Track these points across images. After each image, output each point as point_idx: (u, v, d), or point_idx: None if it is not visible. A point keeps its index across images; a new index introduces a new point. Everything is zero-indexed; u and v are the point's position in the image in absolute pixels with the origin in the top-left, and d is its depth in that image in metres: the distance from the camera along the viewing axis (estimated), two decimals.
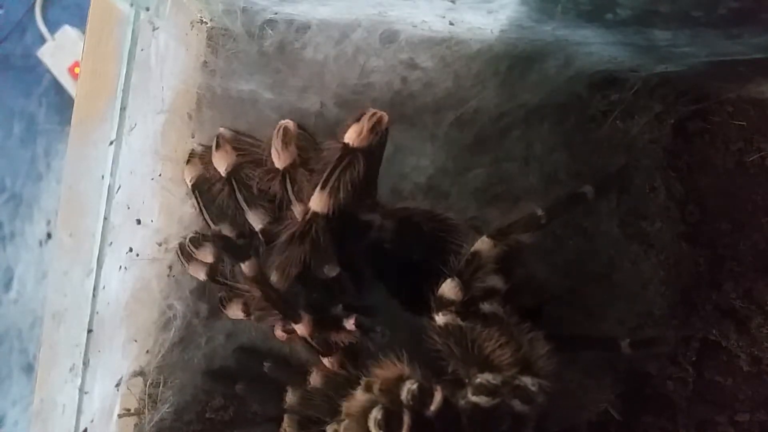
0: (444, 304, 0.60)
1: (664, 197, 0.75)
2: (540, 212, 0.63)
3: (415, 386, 0.56)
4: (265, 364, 0.70)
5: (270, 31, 0.80)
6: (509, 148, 0.76)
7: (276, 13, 0.79)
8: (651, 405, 0.73)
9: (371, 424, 0.55)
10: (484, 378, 0.57)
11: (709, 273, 0.74)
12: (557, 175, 0.75)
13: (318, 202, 0.61)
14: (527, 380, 0.58)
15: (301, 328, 0.64)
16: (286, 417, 0.66)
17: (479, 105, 0.75)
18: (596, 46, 0.70)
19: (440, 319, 0.60)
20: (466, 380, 0.59)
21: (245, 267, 0.62)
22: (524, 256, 0.65)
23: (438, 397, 0.56)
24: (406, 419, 0.54)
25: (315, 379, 0.65)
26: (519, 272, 0.65)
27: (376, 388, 0.58)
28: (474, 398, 0.57)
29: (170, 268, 0.80)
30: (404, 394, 0.56)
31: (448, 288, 0.60)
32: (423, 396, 0.55)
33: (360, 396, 0.58)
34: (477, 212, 0.75)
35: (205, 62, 0.83)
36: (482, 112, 0.75)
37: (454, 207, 0.76)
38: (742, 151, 0.77)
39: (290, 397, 0.66)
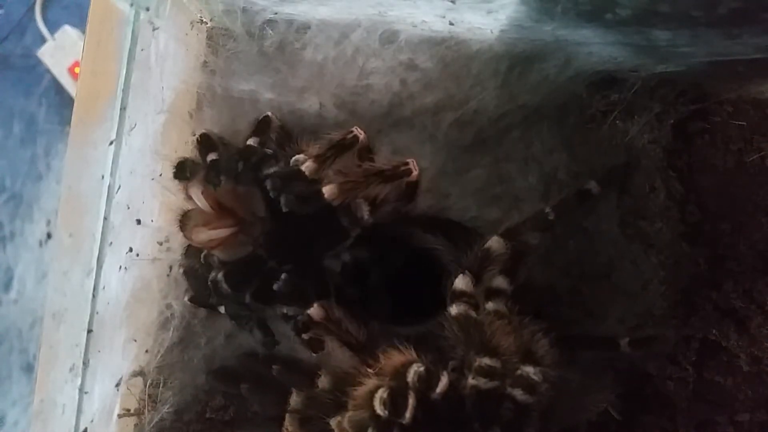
0: (457, 296, 0.63)
1: (664, 197, 0.75)
2: (548, 209, 0.66)
3: (422, 369, 0.58)
4: (273, 367, 0.70)
5: (270, 31, 0.80)
6: (509, 149, 0.76)
7: (276, 13, 0.79)
8: (651, 405, 0.73)
9: (377, 404, 0.56)
10: (483, 361, 0.59)
11: (709, 273, 0.74)
12: (557, 176, 0.75)
13: None
14: (529, 369, 0.59)
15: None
16: (287, 416, 0.66)
17: (479, 105, 0.75)
18: (596, 46, 0.70)
19: (453, 309, 0.62)
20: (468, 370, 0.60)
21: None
22: (529, 258, 0.67)
23: (444, 380, 0.57)
24: (411, 400, 0.55)
25: (323, 382, 0.65)
26: (523, 274, 0.66)
27: (383, 373, 0.59)
28: (473, 381, 0.58)
29: (170, 267, 0.80)
30: (411, 376, 0.57)
31: (461, 281, 0.63)
32: (429, 378, 0.57)
33: (367, 382, 0.60)
34: (477, 212, 0.75)
35: (205, 62, 0.83)
36: (482, 112, 0.75)
37: (454, 207, 0.76)
38: (742, 151, 0.77)
39: (294, 399, 0.67)
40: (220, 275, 0.70)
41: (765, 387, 0.72)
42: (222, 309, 0.75)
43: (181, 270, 0.77)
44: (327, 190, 0.66)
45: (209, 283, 0.71)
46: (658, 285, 0.73)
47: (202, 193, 0.69)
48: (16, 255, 1.38)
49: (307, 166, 0.67)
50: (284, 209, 0.67)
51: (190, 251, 0.76)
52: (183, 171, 0.74)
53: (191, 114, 0.83)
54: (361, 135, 0.69)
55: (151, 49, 0.79)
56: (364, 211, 0.68)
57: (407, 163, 0.68)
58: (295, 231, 0.70)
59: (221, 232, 0.69)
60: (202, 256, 0.72)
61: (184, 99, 0.83)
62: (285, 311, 0.72)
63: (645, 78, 0.74)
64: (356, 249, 0.71)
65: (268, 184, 0.68)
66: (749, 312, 0.73)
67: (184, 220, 0.71)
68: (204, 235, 0.69)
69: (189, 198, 0.71)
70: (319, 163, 0.68)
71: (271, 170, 0.71)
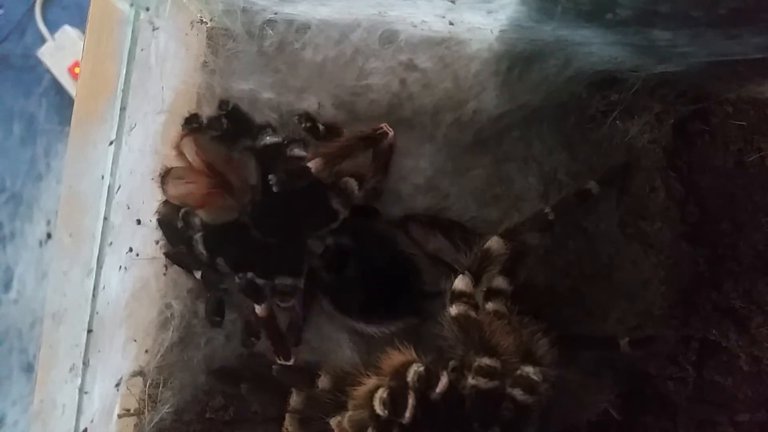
0: (456, 296, 0.63)
1: (664, 197, 0.75)
2: (548, 209, 0.66)
3: (422, 368, 0.58)
4: (273, 367, 0.70)
5: (270, 31, 0.80)
6: (509, 149, 0.76)
7: (276, 13, 0.79)
8: (651, 405, 0.73)
9: (377, 404, 0.56)
10: (482, 361, 0.59)
11: (709, 273, 0.74)
12: (557, 176, 0.75)
13: None
14: (529, 369, 0.59)
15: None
16: (287, 416, 0.67)
17: (478, 106, 0.75)
18: (596, 46, 0.70)
19: (453, 310, 0.63)
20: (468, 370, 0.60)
21: (259, 309, 0.70)
22: (529, 259, 0.67)
23: (444, 380, 0.57)
24: (411, 400, 0.55)
25: (323, 382, 0.66)
26: (523, 274, 0.67)
27: (383, 373, 0.60)
28: (472, 381, 0.58)
29: (165, 267, 0.80)
30: (410, 376, 0.57)
31: (460, 281, 0.63)
32: (429, 378, 0.57)
33: (367, 381, 0.60)
34: (477, 212, 0.75)
35: (205, 62, 0.83)
36: (481, 112, 0.75)
37: (453, 207, 0.76)
38: (742, 151, 0.77)
39: (294, 399, 0.67)
40: (198, 236, 0.71)
41: (765, 387, 0.72)
42: (198, 274, 0.74)
43: (157, 216, 0.75)
44: (313, 164, 0.68)
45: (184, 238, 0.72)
46: (658, 285, 0.73)
47: (196, 152, 0.69)
48: (16, 255, 1.38)
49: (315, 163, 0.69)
50: (274, 189, 0.67)
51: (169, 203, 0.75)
52: (191, 122, 0.74)
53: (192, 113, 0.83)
54: (390, 132, 0.73)
55: (151, 49, 0.79)
56: (354, 187, 0.71)
57: (381, 127, 0.72)
58: (284, 205, 0.71)
59: (196, 188, 0.69)
60: (181, 212, 0.72)
61: (184, 99, 0.83)
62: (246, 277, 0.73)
63: (645, 78, 0.74)
64: (341, 235, 0.73)
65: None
66: (749, 312, 0.73)
67: (165, 175, 0.70)
68: (181, 188, 0.69)
69: (180, 155, 0.71)
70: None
71: (267, 140, 0.73)
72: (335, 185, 0.71)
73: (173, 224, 0.73)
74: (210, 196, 0.69)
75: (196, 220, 0.72)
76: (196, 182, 0.69)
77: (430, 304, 0.71)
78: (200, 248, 0.72)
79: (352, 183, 0.71)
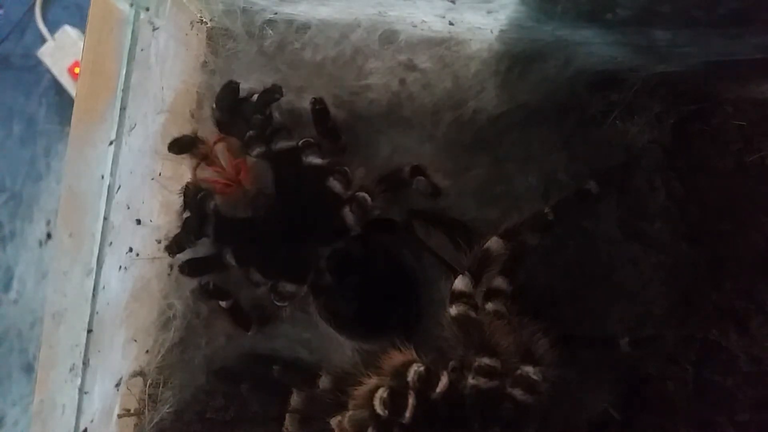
0: (456, 296, 0.63)
1: (664, 197, 0.75)
2: (547, 209, 0.66)
3: (422, 368, 0.58)
4: (273, 367, 0.71)
5: (270, 31, 0.80)
6: (508, 149, 0.76)
7: (276, 13, 0.79)
8: (651, 405, 0.73)
9: (377, 404, 0.56)
10: (482, 361, 0.59)
11: (709, 273, 0.74)
12: (557, 176, 0.75)
13: None
14: (529, 369, 0.59)
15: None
16: (288, 416, 0.67)
17: (478, 105, 0.75)
18: (596, 46, 0.70)
19: (453, 310, 0.63)
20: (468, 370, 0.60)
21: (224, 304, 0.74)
22: (529, 259, 0.67)
23: (444, 380, 0.57)
24: (411, 400, 0.55)
25: (324, 382, 0.66)
26: (523, 274, 0.67)
27: (384, 372, 0.60)
28: (472, 381, 0.58)
29: (170, 267, 0.80)
30: (411, 376, 0.57)
31: (460, 281, 0.63)
32: (429, 378, 0.57)
33: (368, 381, 0.60)
34: (477, 212, 0.75)
35: (205, 62, 0.84)
36: (481, 112, 0.75)
37: (453, 207, 0.76)
38: (742, 151, 0.77)
39: (294, 399, 0.67)
40: (210, 223, 0.74)
41: (765, 387, 0.72)
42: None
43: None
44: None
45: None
46: (658, 285, 0.73)
47: (228, 157, 0.74)
48: (16, 255, 1.37)
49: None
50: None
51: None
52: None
53: (192, 114, 0.84)
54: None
55: (151, 49, 0.79)
56: (368, 201, 0.72)
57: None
58: (299, 215, 0.73)
59: (216, 177, 0.73)
60: (199, 195, 0.75)
61: (184, 99, 0.83)
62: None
63: (645, 78, 0.74)
64: (353, 243, 0.73)
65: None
66: (749, 312, 0.73)
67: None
68: (206, 173, 0.74)
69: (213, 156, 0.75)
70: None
71: (282, 145, 0.74)
72: (351, 200, 0.72)
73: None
74: (231, 190, 0.73)
75: (211, 205, 0.74)
76: (223, 173, 0.73)
77: (417, 328, 0.71)
78: (209, 233, 0.74)
79: (366, 198, 0.72)
